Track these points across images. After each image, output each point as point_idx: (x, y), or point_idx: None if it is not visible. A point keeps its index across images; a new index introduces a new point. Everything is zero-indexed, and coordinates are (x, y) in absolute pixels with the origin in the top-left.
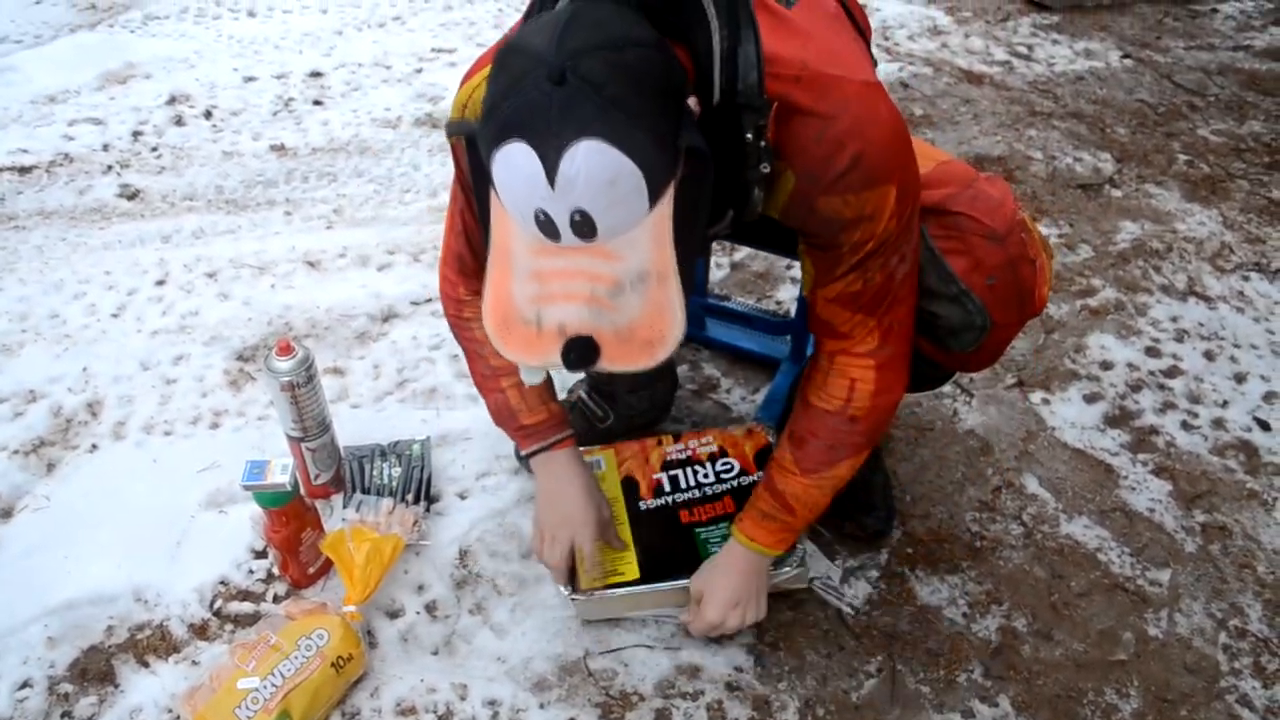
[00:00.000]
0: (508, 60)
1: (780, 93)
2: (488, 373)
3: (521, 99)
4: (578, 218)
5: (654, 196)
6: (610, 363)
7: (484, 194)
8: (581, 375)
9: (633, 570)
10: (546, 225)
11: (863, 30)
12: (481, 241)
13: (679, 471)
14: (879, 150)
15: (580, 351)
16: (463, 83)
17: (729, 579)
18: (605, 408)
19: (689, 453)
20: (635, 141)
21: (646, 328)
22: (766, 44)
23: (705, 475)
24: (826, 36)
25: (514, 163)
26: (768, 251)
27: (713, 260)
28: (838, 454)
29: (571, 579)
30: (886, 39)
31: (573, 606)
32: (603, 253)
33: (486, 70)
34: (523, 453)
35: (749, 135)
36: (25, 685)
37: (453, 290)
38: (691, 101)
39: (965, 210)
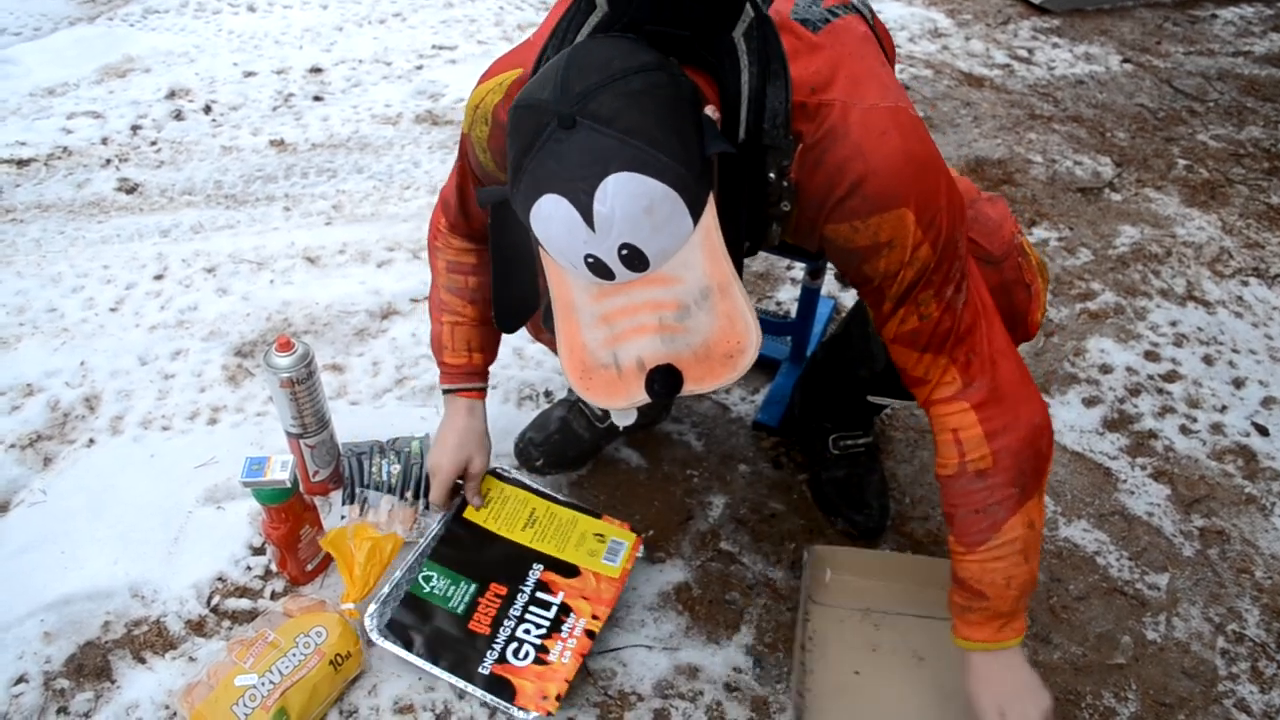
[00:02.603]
0: (520, 119)
1: None
2: (437, 302)
3: (541, 153)
4: (625, 252)
5: (695, 212)
6: (696, 384)
7: (514, 252)
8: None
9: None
10: (598, 267)
11: (887, 53)
12: (469, 210)
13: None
14: (883, 174)
15: (663, 380)
16: (477, 86)
17: (980, 693)
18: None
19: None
20: (660, 164)
21: (722, 341)
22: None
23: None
24: (846, 63)
25: (550, 216)
26: (781, 256)
27: None
28: (993, 516)
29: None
30: None
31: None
32: (660, 280)
33: (501, 78)
34: (441, 387)
35: (771, 175)
36: (21, 680)
37: (437, 222)
38: (709, 110)
39: None
